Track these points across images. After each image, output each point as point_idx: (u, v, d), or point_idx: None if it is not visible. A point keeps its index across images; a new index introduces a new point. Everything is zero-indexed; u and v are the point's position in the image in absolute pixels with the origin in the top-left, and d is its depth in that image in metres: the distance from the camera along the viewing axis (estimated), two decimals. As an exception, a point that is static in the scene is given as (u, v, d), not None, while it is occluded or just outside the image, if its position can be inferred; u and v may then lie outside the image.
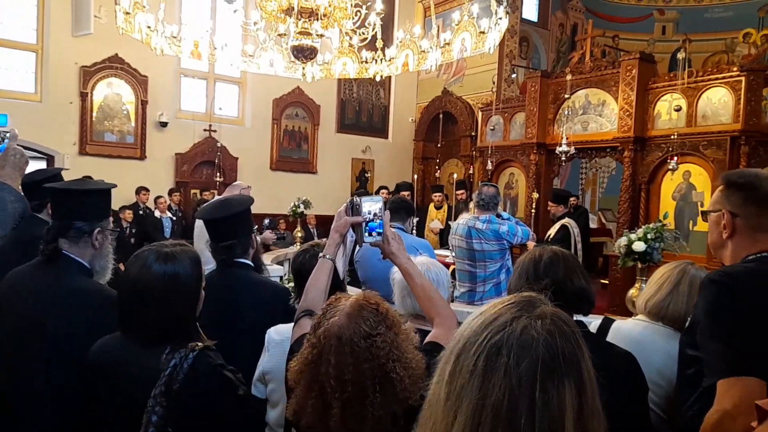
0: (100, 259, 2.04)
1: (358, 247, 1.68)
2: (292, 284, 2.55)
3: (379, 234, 1.58)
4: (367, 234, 1.59)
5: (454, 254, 4.36)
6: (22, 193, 2.29)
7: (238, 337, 2.21)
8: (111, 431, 1.53)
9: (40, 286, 1.90)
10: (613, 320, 1.88)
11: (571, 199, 9.61)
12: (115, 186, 2.28)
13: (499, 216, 4.12)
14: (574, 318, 1.62)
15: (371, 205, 1.59)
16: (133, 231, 8.08)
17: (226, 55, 6.81)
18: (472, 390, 0.70)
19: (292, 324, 2.02)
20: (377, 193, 8.63)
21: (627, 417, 1.55)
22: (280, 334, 2.02)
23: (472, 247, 4.03)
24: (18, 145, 2.36)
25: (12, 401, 1.84)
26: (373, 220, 1.58)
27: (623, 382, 1.56)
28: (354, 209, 1.60)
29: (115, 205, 8.38)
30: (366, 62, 6.99)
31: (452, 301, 3.57)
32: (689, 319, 1.72)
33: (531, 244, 4.31)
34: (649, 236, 3.88)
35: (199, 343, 1.49)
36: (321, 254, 1.65)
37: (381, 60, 6.92)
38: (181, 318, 1.54)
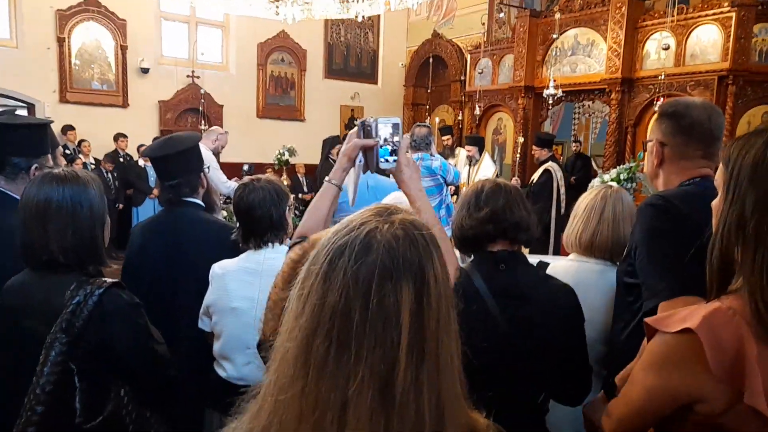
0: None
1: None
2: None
3: (393, 161, 1.42)
4: (383, 160, 1.42)
5: None
6: None
7: (183, 275, 2.21)
8: (16, 369, 1.50)
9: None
10: (548, 264, 1.86)
11: (573, 145, 9.52)
12: (52, 121, 2.23)
13: (432, 156, 4.19)
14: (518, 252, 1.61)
15: (386, 128, 1.42)
16: (116, 179, 8.04)
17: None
18: (314, 292, 0.70)
19: (235, 258, 2.05)
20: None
21: (565, 350, 1.57)
22: (222, 268, 2.04)
23: None
24: None
25: None
26: (386, 145, 1.42)
27: (561, 314, 1.56)
28: (366, 132, 1.44)
29: (99, 153, 8.34)
30: (347, 1, 6.76)
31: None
32: (626, 247, 1.71)
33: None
34: (622, 176, 3.86)
35: (108, 280, 1.46)
36: (327, 179, 1.53)
37: (362, -1, 6.70)
38: (86, 242, 1.50)
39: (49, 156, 2.13)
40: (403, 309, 0.67)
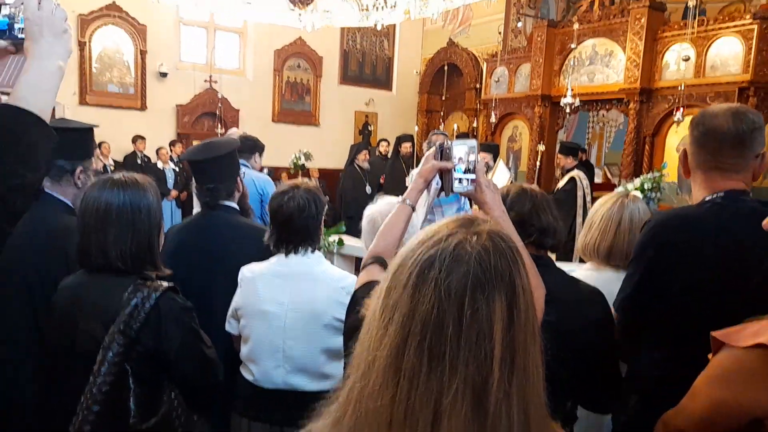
0: (81, 198, 2.05)
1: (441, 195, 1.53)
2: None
3: (470, 181, 1.41)
4: (457, 182, 1.42)
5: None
6: None
7: (218, 279, 2.23)
8: (70, 366, 1.53)
9: (23, 223, 1.91)
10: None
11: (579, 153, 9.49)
12: (96, 126, 2.27)
13: None
14: (541, 255, 1.62)
15: (462, 150, 1.42)
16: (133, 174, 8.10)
17: (224, 1, 6.66)
18: (403, 302, 0.70)
19: (264, 262, 2.04)
20: (378, 145, 8.55)
21: (594, 355, 1.55)
22: (252, 271, 2.04)
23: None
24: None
25: None
26: (461, 164, 1.41)
27: (590, 318, 1.56)
28: (443, 153, 1.44)
29: (118, 155, 8.42)
30: (367, 9, 6.81)
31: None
32: None
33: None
34: (646, 186, 3.85)
35: (164, 283, 1.48)
36: (400, 199, 1.51)
37: (382, 7, 6.74)
38: (144, 247, 1.53)
39: (93, 159, 2.16)
40: (495, 321, 0.68)
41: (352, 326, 1.16)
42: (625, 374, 1.73)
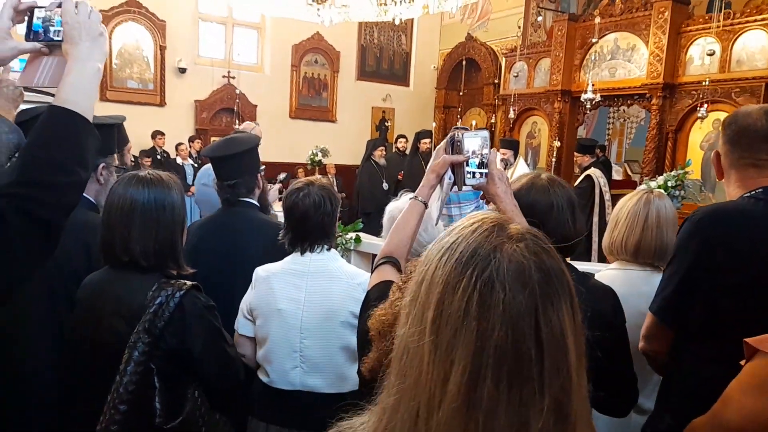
0: (105, 195, 2.05)
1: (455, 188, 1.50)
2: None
3: (482, 175, 1.39)
4: (469, 175, 1.39)
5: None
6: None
7: (239, 275, 2.22)
8: (94, 363, 1.53)
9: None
10: (592, 274, 1.85)
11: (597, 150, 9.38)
12: (123, 119, 2.28)
13: None
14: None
15: (474, 142, 1.38)
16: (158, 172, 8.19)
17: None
18: (468, 334, 0.63)
19: (279, 262, 2.00)
20: (396, 141, 8.52)
21: (605, 354, 1.52)
22: (266, 270, 2.00)
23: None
24: (32, 90, 2.31)
25: None
26: (474, 158, 1.38)
27: (598, 315, 1.52)
28: (455, 146, 1.40)
29: (137, 151, 8.50)
30: (385, 4, 6.77)
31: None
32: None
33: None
34: (669, 184, 3.77)
35: (187, 282, 1.48)
36: (412, 195, 1.47)
37: (401, 2, 6.69)
38: (167, 245, 1.53)
39: (116, 155, 2.17)
40: (567, 331, 0.64)
41: (366, 331, 1.12)
42: (660, 388, 1.69)
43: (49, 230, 0.99)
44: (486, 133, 1.41)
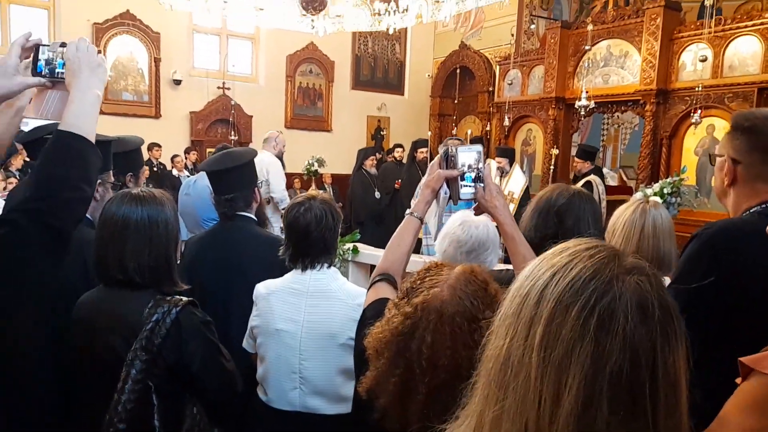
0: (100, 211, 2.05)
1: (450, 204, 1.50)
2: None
3: (478, 188, 1.39)
4: (465, 189, 1.40)
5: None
6: None
7: (237, 290, 2.22)
8: (91, 382, 1.52)
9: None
10: None
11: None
12: (115, 138, 2.27)
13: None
14: None
15: (468, 156, 1.39)
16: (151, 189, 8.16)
17: (236, 8, 6.69)
18: (582, 356, 0.62)
19: (280, 278, 1.98)
20: (392, 151, 8.53)
21: None
22: (267, 287, 1.98)
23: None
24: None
25: None
26: (470, 172, 1.39)
27: None
28: (449, 161, 1.41)
29: (132, 163, 8.47)
30: (379, 14, 6.80)
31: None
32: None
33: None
34: (665, 191, 3.79)
35: (183, 298, 1.48)
36: (408, 212, 1.47)
37: (394, 12, 6.73)
38: (161, 261, 1.53)
39: (111, 172, 2.16)
40: (681, 372, 0.64)
41: (363, 350, 1.10)
42: None
43: (60, 237, 1.14)
44: (480, 147, 1.42)
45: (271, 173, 5.27)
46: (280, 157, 5.62)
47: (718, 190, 1.67)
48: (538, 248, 1.47)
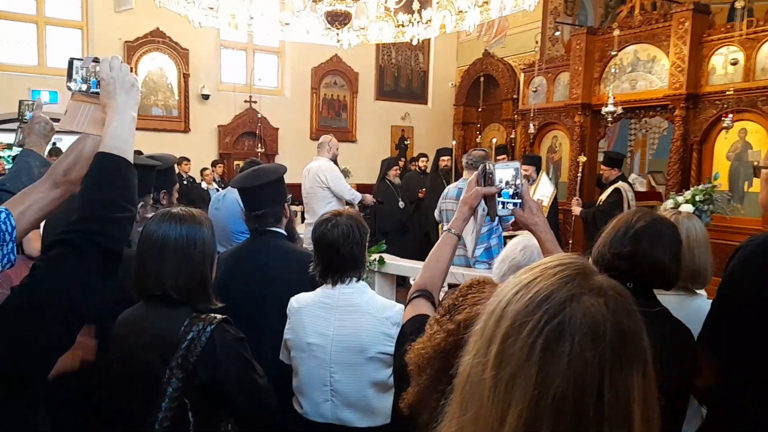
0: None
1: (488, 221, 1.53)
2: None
3: (516, 205, 1.40)
4: (500, 206, 1.41)
5: (445, 219, 4.23)
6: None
7: (268, 305, 2.26)
8: (128, 399, 1.56)
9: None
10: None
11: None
12: (159, 163, 2.35)
13: None
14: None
15: (506, 173, 1.40)
16: (180, 203, 8.33)
17: (262, 24, 6.80)
18: (528, 378, 0.61)
19: (311, 293, 2.02)
20: (416, 160, 8.54)
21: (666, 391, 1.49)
22: (299, 302, 2.03)
23: None
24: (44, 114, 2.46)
25: None
26: (508, 188, 1.40)
27: (673, 357, 1.47)
28: (486, 178, 1.42)
29: (162, 177, 8.66)
30: (402, 26, 6.84)
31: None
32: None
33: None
34: (697, 198, 3.72)
35: (217, 316, 1.51)
36: (446, 228, 1.49)
37: (418, 22, 6.76)
38: (197, 280, 1.56)
39: (151, 195, 2.26)
40: (634, 399, 0.61)
41: (403, 365, 1.11)
42: (705, 421, 1.64)
43: (111, 257, 1.18)
44: (518, 164, 1.43)
45: (329, 179, 5.13)
46: (334, 160, 5.43)
47: (764, 203, 1.66)
48: (609, 265, 1.48)
